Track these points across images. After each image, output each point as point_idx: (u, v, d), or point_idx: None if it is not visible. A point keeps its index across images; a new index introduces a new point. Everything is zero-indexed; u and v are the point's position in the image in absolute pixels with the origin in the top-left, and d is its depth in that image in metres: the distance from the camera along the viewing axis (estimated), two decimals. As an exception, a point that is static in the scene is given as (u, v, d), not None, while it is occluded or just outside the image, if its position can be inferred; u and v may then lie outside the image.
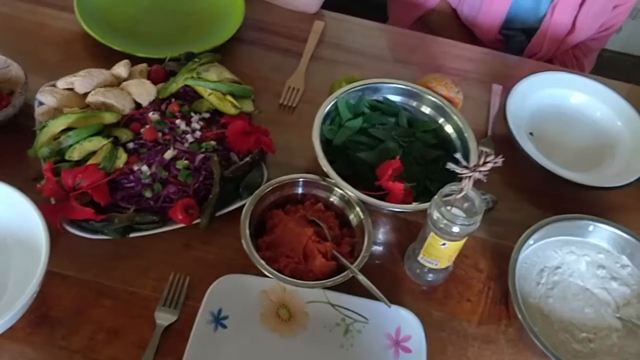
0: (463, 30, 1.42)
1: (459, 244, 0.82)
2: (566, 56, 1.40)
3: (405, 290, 0.89)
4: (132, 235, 0.84)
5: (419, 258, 0.86)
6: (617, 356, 0.81)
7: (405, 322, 0.82)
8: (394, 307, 0.82)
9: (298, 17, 1.21)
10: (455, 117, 0.99)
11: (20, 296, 0.71)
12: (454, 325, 0.87)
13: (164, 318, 0.80)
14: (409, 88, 1.02)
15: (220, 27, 1.13)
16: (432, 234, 0.81)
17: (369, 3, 1.56)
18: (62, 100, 0.93)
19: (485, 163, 0.77)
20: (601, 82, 1.13)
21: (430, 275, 0.89)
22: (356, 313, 0.83)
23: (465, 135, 0.97)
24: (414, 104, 1.02)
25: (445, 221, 0.78)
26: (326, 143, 0.97)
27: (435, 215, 0.79)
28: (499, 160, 0.77)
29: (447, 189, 0.78)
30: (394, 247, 0.93)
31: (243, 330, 0.81)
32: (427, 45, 1.26)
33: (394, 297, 0.85)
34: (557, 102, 1.12)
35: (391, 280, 0.90)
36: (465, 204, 0.79)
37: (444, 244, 0.81)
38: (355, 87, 1.00)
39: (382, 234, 0.95)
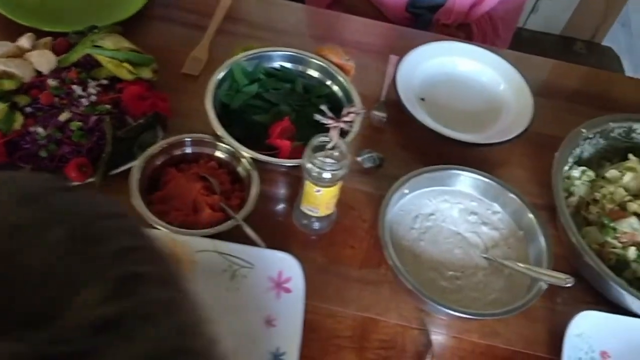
0: (374, 9, 1.49)
1: (333, 190, 0.88)
2: (482, 20, 1.46)
3: (294, 240, 0.95)
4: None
5: (301, 207, 0.92)
6: (482, 292, 0.88)
7: (287, 265, 0.88)
8: (277, 253, 0.88)
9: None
10: (342, 80, 1.06)
11: None
12: (337, 268, 0.93)
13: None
14: (299, 55, 1.08)
15: (127, 3, 1.18)
16: (307, 182, 0.87)
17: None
18: (-35, 70, 0.97)
19: (348, 114, 0.83)
20: (487, 48, 1.21)
21: (316, 223, 0.95)
22: (242, 260, 0.89)
23: (352, 96, 1.04)
24: (305, 70, 1.08)
25: (316, 169, 0.84)
26: (223, 107, 1.03)
27: (308, 164, 0.85)
28: (361, 112, 0.84)
29: (315, 140, 0.84)
30: (286, 201, 1.00)
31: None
32: (335, 23, 1.33)
33: (282, 246, 0.90)
34: (447, 69, 1.19)
35: (282, 231, 0.96)
36: (336, 153, 0.85)
37: (318, 191, 0.87)
38: (248, 55, 1.06)
39: (274, 190, 1.01)
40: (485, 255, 0.92)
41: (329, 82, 1.07)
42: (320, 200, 0.89)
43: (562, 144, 1.00)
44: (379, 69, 1.21)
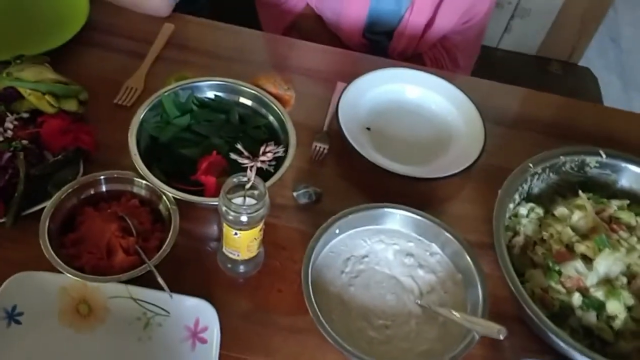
0: (332, 35, 1.44)
1: (253, 233, 0.82)
2: (435, 50, 1.42)
3: (218, 284, 0.89)
4: None
5: (223, 249, 0.87)
6: (413, 342, 0.82)
7: (203, 313, 0.82)
8: (193, 300, 0.82)
9: (148, 19, 1.22)
10: (277, 110, 1.00)
11: None
12: (262, 316, 0.87)
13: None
14: (233, 85, 1.02)
15: (61, 30, 1.13)
16: (225, 225, 0.82)
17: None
18: None
19: (265, 153, 0.78)
20: (437, 74, 1.15)
21: (241, 267, 0.89)
22: (158, 307, 0.83)
23: (287, 128, 0.98)
24: (239, 99, 1.03)
25: (232, 212, 0.79)
26: (153, 140, 0.98)
27: (223, 208, 0.79)
28: (280, 150, 0.79)
29: (230, 180, 0.79)
30: (214, 242, 0.94)
31: (38, 327, 0.81)
32: (286, 49, 1.28)
33: (205, 291, 0.86)
34: (395, 97, 1.14)
35: (206, 274, 0.90)
36: (256, 192, 0.80)
37: (236, 234, 0.82)
38: (181, 85, 1.01)
39: (201, 229, 0.95)
40: (418, 302, 0.86)
41: (264, 112, 1.02)
42: (240, 243, 0.83)
43: (506, 180, 0.94)
44: (327, 97, 1.16)
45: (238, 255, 0.86)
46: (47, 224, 0.84)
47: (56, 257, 0.81)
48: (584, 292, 0.86)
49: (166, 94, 0.99)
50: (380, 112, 1.12)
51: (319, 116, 1.11)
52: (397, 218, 0.92)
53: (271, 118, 1.02)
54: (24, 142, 0.91)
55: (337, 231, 0.89)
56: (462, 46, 1.42)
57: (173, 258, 0.89)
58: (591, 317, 0.85)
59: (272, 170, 0.87)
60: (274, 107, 1.01)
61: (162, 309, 0.83)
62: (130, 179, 0.90)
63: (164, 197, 0.89)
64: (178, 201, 0.88)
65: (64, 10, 1.17)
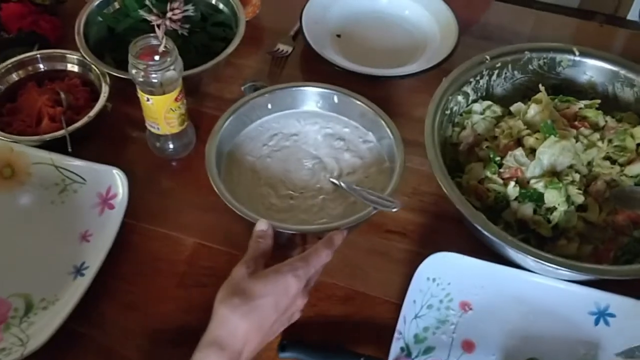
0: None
1: (166, 100, 0.80)
2: None
3: (146, 161, 0.89)
4: None
5: (146, 123, 0.85)
6: (314, 215, 0.77)
7: (116, 182, 0.81)
8: (110, 168, 0.81)
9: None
10: (233, 5, 0.99)
11: None
12: (182, 194, 0.86)
13: None
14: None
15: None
16: (138, 91, 0.80)
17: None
18: None
19: (173, 9, 0.76)
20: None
21: (166, 144, 0.87)
22: (75, 174, 0.83)
23: (239, 22, 0.96)
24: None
25: (141, 72, 0.77)
26: (109, 31, 0.99)
27: (133, 70, 0.78)
28: (190, 8, 0.76)
29: (139, 41, 0.77)
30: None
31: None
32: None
33: (129, 165, 0.84)
34: (367, 2, 1.09)
35: (137, 151, 0.90)
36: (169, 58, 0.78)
37: (148, 100, 0.80)
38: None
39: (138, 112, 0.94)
40: (330, 178, 0.80)
41: (222, 8, 1.01)
42: (155, 112, 0.81)
43: (455, 69, 0.86)
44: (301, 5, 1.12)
45: (158, 129, 0.84)
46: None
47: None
48: (522, 183, 0.77)
49: (124, -15, 1.01)
50: (350, 19, 1.08)
51: (291, 22, 1.08)
52: (336, 101, 0.86)
53: (228, 13, 1.00)
54: (-17, 22, 0.95)
55: (270, 106, 0.86)
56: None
57: (106, 135, 0.90)
58: (527, 209, 0.76)
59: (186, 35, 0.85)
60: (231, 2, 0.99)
61: (79, 176, 0.83)
62: (64, 55, 0.92)
63: (98, 73, 0.89)
64: (119, 83, 0.88)
65: None
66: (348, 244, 0.73)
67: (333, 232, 0.69)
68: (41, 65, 0.93)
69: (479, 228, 0.71)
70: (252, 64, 1.02)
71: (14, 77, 0.91)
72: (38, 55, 0.92)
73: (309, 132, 0.86)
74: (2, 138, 0.83)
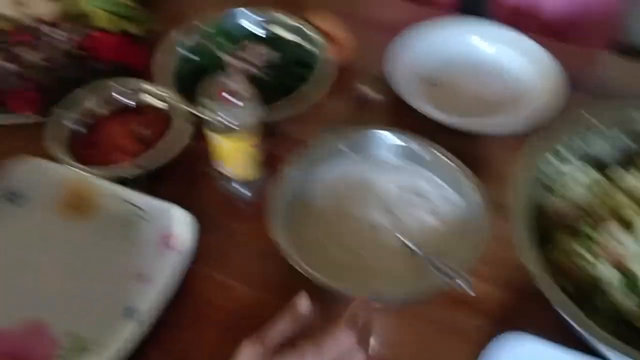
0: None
1: (241, 143, 0.77)
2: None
3: (215, 202, 0.86)
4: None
5: (217, 165, 0.83)
6: (377, 276, 0.72)
7: (181, 223, 0.79)
8: (176, 208, 0.79)
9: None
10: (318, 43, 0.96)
11: None
12: (251, 241, 0.82)
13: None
14: (277, 17, 1.00)
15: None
16: (213, 133, 0.78)
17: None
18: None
19: (246, 49, 0.73)
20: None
21: (238, 187, 0.84)
22: (142, 210, 0.82)
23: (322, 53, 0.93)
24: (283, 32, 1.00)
25: (218, 115, 0.75)
26: (193, 67, 0.99)
27: (209, 111, 0.76)
28: (273, 53, 0.73)
29: (217, 81, 0.75)
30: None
31: (31, 210, 0.83)
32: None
33: (196, 205, 0.82)
34: (464, 49, 1.02)
35: (207, 191, 0.87)
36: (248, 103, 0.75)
37: (222, 142, 0.77)
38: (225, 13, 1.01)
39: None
40: (402, 238, 0.74)
41: (307, 46, 0.98)
42: (228, 155, 0.79)
43: (549, 125, 0.77)
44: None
45: (230, 172, 0.82)
46: (62, 114, 0.88)
47: (56, 147, 0.84)
48: (619, 265, 0.67)
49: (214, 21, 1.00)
50: (444, 65, 1.01)
51: (377, 66, 1.03)
52: (418, 152, 0.81)
53: (312, 52, 0.97)
54: (81, 51, 0.97)
55: (346, 151, 0.83)
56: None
57: (178, 172, 0.88)
58: (629, 301, 0.66)
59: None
60: (317, 39, 0.96)
61: (146, 212, 0.82)
62: (148, 88, 0.92)
63: (180, 110, 0.88)
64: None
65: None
66: (414, 314, 0.66)
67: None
68: (124, 97, 0.93)
69: (569, 320, 0.63)
70: (334, 106, 0.98)
71: (96, 107, 0.92)
72: (122, 87, 0.93)
73: (384, 183, 0.80)
74: (76, 168, 0.84)
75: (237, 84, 0.74)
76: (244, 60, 0.75)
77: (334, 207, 0.79)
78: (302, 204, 0.79)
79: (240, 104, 0.74)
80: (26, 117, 0.93)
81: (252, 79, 0.79)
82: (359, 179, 0.82)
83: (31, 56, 0.95)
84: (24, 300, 0.76)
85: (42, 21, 1.01)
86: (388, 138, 0.83)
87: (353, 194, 0.80)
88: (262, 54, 0.74)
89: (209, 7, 1.08)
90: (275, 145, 0.91)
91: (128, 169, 0.83)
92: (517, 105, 0.95)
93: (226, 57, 0.73)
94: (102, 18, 1.02)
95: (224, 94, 0.74)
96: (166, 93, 0.91)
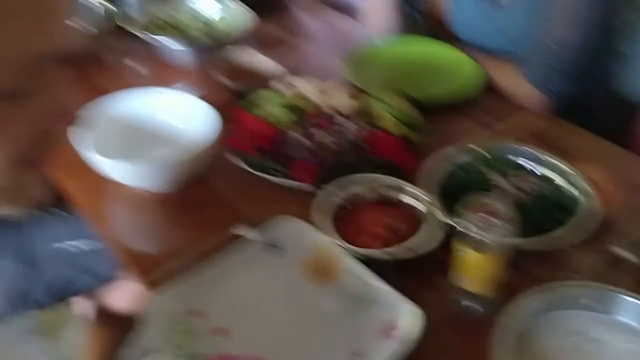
0: None
1: (482, 258, 0.80)
2: None
3: (441, 309, 0.88)
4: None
5: (454, 274, 0.86)
6: None
7: (406, 317, 0.83)
8: (408, 304, 0.84)
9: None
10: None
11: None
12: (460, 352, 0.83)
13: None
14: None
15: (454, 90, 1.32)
16: (461, 244, 0.82)
17: None
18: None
19: (522, 179, 0.77)
20: None
21: (470, 302, 0.86)
22: (375, 294, 0.88)
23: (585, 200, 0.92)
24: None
25: (474, 228, 0.79)
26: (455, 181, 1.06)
27: (466, 222, 0.80)
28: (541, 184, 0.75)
29: (481, 197, 0.80)
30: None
31: (283, 261, 0.94)
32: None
33: (422, 304, 0.85)
34: None
35: (436, 295, 0.90)
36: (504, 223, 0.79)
37: (468, 254, 0.81)
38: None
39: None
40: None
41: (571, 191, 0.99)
42: (471, 267, 0.82)
43: None
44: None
45: (466, 284, 0.84)
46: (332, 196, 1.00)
47: (324, 220, 0.95)
48: None
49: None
50: None
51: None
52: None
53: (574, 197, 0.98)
54: (361, 143, 1.10)
55: (584, 302, 0.81)
56: None
57: (421, 273, 0.93)
58: None
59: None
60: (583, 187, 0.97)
61: (378, 297, 0.87)
62: (410, 189, 1.00)
63: (434, 218, 0.95)
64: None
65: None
66: None
67: None
68: (388, 191, 1.02)
69: None
70: (583, 256, 0.96)
71: (361, 193, 1.02)
72: (389, 182, 1.02)
73: (615, 345, 0.76)
74: (331, 238, 0.93)
75: (500, 204, 0.78)
76: (514, 185, 0.79)
77: (555, 353, 0.77)
78: (529, 338, 0.78)
79: (499, 223, 0.77)
80: (303, 185, 1.06)
81: (515, 204, 0.83)
82: (593, 338, 0.79)
83: (322, 137, 1.10)
84: (257, 336, 0.85)
85: (338, 112, 1.17)
86: (631, 301, 0.80)
87: (579, 347, 0.78)
88: (533, 183, 0.78)
89: (481, 137, 1.15)
90: (514, 273, 0.92)
91: (376, 253, 0.90)
92: None
93: (498, 178, 0.78)
94: (388, 121, 1.14)
95: (484, 212, 0.78)
96: (426, 197, 0.98)
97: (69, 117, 0.53)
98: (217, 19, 1.62)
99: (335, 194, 1.00)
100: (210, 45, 1.47)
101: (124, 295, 1.42)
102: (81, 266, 1.30)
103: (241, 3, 1.60)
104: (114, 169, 1.04)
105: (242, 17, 1.56)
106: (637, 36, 1.32)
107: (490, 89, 1.36)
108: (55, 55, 0.46)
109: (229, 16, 1.60)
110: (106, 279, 1.35)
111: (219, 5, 1.63)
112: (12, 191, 0.50)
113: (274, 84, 1.26)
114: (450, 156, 1.06)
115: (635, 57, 1.35)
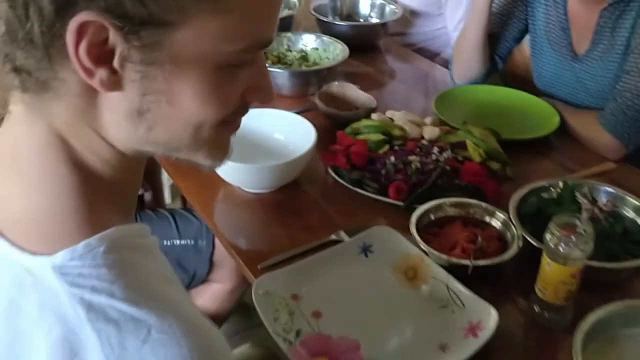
0: None
1: (564, 270, 0.89)
2: None
3: (518, 317, 0.98)
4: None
5: (535, 286, 0.95)
6: None
7: (489, 319, 0.92)
8: (489, 307, 0.93)
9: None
10: None
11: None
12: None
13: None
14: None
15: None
16: (543, 255, 0.91)
17: None
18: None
19: (606, 203, 0.87)
20: None
21: (547, 313, 0.95)
22: (460, 299, 0.97)
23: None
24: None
25: (553, 239, 0.89)
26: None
27: (547, 235, 0.90)
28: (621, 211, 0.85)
29: (565, 217, 0.89)
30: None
31: (376, 265, 1.05)
32: None
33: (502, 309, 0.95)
34: None
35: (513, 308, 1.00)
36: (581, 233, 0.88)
37: (548, 265, 0.90)
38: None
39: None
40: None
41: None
42: (549, 277, 0.91)
43: None
44: None
45: (544, 294, 0.93)
46: (419, 215, 1.10)
47: (415, 231, 1.06)
48: None
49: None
50: None
51: None
52: None
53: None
54: (447, 167, 1.21)
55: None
56: None
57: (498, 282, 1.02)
58: None
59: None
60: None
61: (461, 301, 0.97)
62: (494, 212, 1.10)
63: (515, 234, 1.04)
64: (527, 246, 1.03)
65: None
66: None
67: None
68: (473, 212, 1.12)
69: None
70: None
71: (449, 211, 1.13)
72: (474, 203, 1.13)
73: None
74: (421, 247, 1.04)
75: (582, 223, 0.87)
76: (596, 205, 0.89)
77: None
78: (607, 346, 0.86)
79: (579, 238, 0.87)
80: (394, 201, 1.17)
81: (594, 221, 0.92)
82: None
83: (413, 160, 1.22)
84: (350, 324, 0.95)
85: (429, 141, 1.29)
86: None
87: None
88: (613, 205, 0.87)
89: (559, 175, 1.25)
90: (587, 294, 0.99)
91: (460, 262, 1.00)
92: None
93: (583, 201, 0.87)
94: (474, 151, 1.25)
95: (569, 231, 0.88)
96: (510, 220, 1.07)
97: None
98: (310, 49, 1.78)
99: (425, 211, 1.11)
100: (307, 72, 1.62)
101: (209, 296, 1.55)
102: (174, 260, 1.43)
103: (335, 38, 1.76)
104: (227, 171, 1.18)
105: (336, 51, 1.72)
106: None
107: (565, 134, 1.46)
108: None
109: (322, 47, 1.76)
110: (196, 276, 1.48)
111: (313, 37, 1.80)
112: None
113: (372, 114, 1.40)
114: (534, 187, 1.16)
115: None
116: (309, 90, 1.60)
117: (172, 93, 0.52)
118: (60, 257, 0.51)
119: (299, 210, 1.21)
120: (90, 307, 0.49)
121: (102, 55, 0.50)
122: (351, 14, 2.16)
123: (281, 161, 1.20)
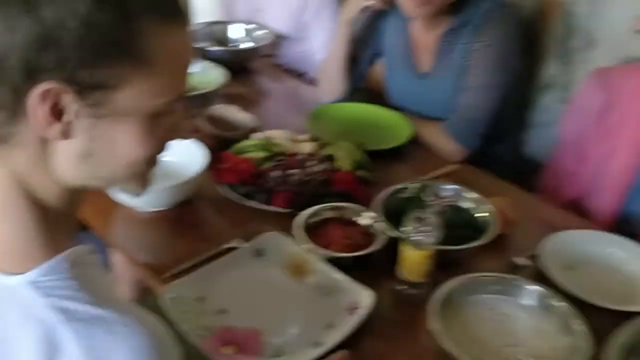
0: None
1: (419, 255, 1.12)
2: None
3: (388, 294, 1.20)
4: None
5: (398, 267, 1.18)
6: None
7: (363, 299, 1.13)
8: (364, 290, 1.14)
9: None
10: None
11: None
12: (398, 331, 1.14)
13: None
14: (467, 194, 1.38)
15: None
16: (403, 242, 1.14)
17: None
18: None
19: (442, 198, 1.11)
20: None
21: (410, 290, 1.17)
22: (340, 285, 1.17)
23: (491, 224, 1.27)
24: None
25: (409, 230, 1.12)
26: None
27: (406, 228, 1.13)
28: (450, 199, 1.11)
29: (417, 213, 1.13)
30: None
31: (267, 263, 1.23)
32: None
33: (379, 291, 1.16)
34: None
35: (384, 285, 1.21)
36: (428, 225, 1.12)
37: (407, 250, 1.13)
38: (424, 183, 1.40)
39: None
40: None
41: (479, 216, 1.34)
42: (408, 260, 1.14)
43: None
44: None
45: (404, 273, 1.16)
46: (305, 218, 1.30)
47: (302, 230, 1.25)
48: None
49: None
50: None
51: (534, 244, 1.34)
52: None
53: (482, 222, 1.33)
54: (322, 177, 1.42)
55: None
56: None
57: (372, 269, 1.23)
58: None
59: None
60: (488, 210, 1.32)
61: (342, 287, 1.17)
62: (361, 212, 1.32)
63: (380, 228, 1.27)
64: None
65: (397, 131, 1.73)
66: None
67: None
68: (346, 213, 1.34)
69: None
70: (490, 266, 1.28)
71: (326, 214, 1.33)
72: (347, 206, 1.34)
73: (518, 317, 1.10)
74: (305, 247, 1.23)
75: (429, 216, 1.11)
76: (442, 200, 1.13)
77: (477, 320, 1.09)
78: (454, 311, 1.10)
79: (428, 228, 1.10)
80: (280, 209, 1.36)
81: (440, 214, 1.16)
82: (501, 312, 1.13)
83: (293, 173, 1.41)
84: (251, 316, 1.12)
85: (306, 155, 1.49)
86: (530, 290, 1.14)
87: (493, 317, 1.11)
88: (455, 199, 1.12)
89: (414, 177, 1.51)
90: (439, 271, 1.23)
91: (338, 255, 1.21)
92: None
93: (428, 199, 1.11)
94: (344, 162, 1.47)
95: (420, 222, 1.11)
96: (377, 217, 1.29)
97: None
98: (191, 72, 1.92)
99: (307, 215, 1.30)
100: (189, 97, 1.77)
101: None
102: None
103: (214, 63, 1.93)
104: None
105: (215, 75, 1.88)
106: (538, 109, 1.73)
107: (417, 142, 1.72)
108: None
109: (202, 72, 1.91)
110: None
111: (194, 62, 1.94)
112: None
113: (252, 133, 1.58)
114: (394, 189, 1.39)
115: (537, 125, 1.75)
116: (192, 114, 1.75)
117: (114, 138, 0.67)
118: (34, 274, 0.65)
119: (195, 225, 1.36)
120: (63, 311, 0.63)
121: (57, 112, 0.63)
122: (223, 40, 2.32)
123: (178, 181, 1.35)
